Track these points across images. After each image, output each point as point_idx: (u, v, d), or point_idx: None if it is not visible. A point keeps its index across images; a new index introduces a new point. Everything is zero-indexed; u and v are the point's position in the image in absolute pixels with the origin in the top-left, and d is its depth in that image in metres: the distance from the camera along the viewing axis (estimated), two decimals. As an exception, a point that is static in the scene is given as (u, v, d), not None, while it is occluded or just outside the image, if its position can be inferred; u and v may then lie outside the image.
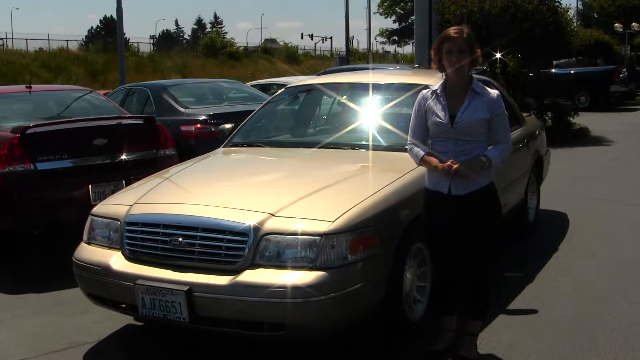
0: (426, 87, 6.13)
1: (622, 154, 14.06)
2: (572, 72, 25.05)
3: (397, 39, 78.23)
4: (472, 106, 4.32)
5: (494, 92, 4.42)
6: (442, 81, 4.49)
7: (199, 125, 9.82)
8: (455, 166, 4.22)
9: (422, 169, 4.68)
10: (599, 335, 4.84)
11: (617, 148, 14.99)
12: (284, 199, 4.53)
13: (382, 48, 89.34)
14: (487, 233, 4.43)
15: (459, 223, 4.36)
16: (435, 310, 4.78)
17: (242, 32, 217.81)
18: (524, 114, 8.22)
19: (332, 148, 5.80)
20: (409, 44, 75.85)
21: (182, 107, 10.42)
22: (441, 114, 4.35)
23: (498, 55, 15.48)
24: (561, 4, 16.89)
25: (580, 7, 47.03)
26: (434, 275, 4.83)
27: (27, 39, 49.93)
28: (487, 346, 4.69)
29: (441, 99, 4.40)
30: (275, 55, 62.65)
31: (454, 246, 4.44)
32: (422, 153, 4.45)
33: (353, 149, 5.76)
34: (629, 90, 27.30)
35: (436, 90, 4.45)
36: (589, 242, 7.20)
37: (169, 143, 8.01)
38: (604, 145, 15.49)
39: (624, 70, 26.64)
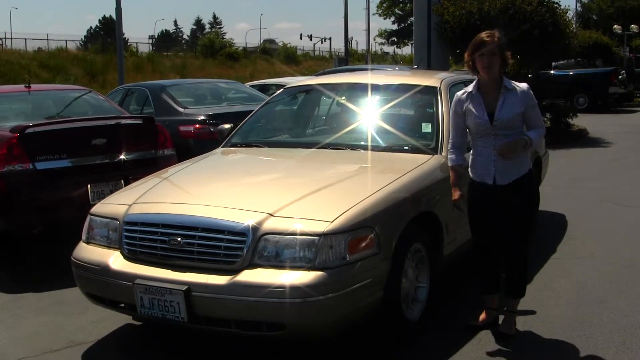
0: (427, 87, 6.23)
1: (621, 155, 14.07)
2: (571, 73, 25.10)
3: (396, 40, 78.17)
4: (507, 103, 4.67)
5: (523, 86, 4.77)
6: (474, 82, 4.84)
7: (197, 126, 9.81)
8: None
9: (420, 170, 5.10)
10: (597, 336, 4.85)
11: (616, 149, 15.00)
12: (282, 199, 4.54)
13: (381, 49, 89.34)
14: (527, 217, 4.86)
15: (503, 210, 4.73)
16: (479, 290, 5.15)
17: (241, 32, 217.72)
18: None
19: (331, 148, 5.81)
20: (408, 45, 75.81)
21: (181, 107, 10.42)
22: (480, 113, 4.71)
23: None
24: (560, 5, 16.89)
25: (579, 8, 47.00)
26: (477, 258, 5.13)
27: (25, 39, 49.91)
28: (485, 345, 4.71)
29: (477, 99, 4.74)
30: (274, 55, 62.64)
31: (497, 231, 4.82)
32: (451, 163, 4.90)
33: (352, 149, 5.77)
34: (628, 92, 27.31)
35: (471, 91, 4.79)
36: (588, 243, 7.20)
37: (168, 143, 8.02)
38: (603, 147, 15.51)
39: (623, 71, 26.66)
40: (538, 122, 4.79)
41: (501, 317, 5.04)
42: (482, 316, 5.05)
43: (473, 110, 4.74)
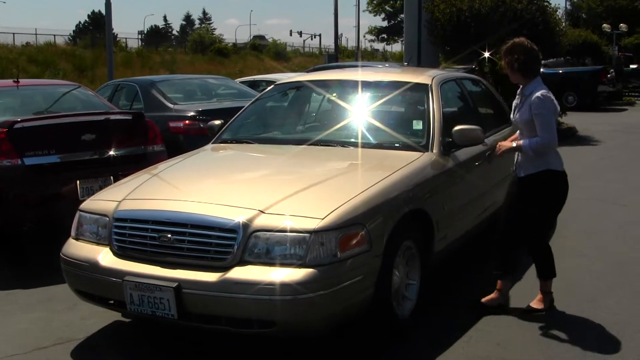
0: (416, 84, 6.23)
1: (610, 153, 14.12)
2: (560, 71, 25.12)
3: (386, 37, 78.23)
4: (523, 107, 5.14)
5: (536, 95, 5.05)
6: None
7: (187, 122, 9.79)
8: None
9: (411, 168, 5.16)
10: (587, 333, 4.87)
11: (605, 148, 15.05)
12: (273, 196, 4.52)
13: (371, 46, 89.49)
14: (541, 212, 5.21)
15: (519, 200, 5.30)
16: (497, 273, 5.44)
17: (231, 28, 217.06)
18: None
19: (321, 145, 5.79)
20: (397, 42, 75.93)
21: (171, 103, 10.38)
22: (512, 111, 5.35)
23: (486, 55, 15.51)
24: (550, 4, 16.98)
25: (568, 7, 47.15)
26: (499, 239, 5.46)
27: (14, 33, 49.57)
28: (476, 343, 4.71)
29: (517, 98, 5.28)
30: (263, 52, 62.53)
31: (517, 218, 5.26)
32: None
33: (343, 146, 5.75)
34: (617, 91, 27.41)
35: (518, 91, 5.29)
36: (577, 241, 7.22)
37: (158, 139, 7.97)
38: (592, 145, 15.55)
39: (612, 70, 26.75)
40: (539, 131, 5.02)
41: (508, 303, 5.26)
42: (491, 296, 5.38)
43: (513, 105, 5.36)
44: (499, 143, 5.34)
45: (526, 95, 5.12)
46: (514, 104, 5.34)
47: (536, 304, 5.32)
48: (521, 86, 5.23)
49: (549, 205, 5.26)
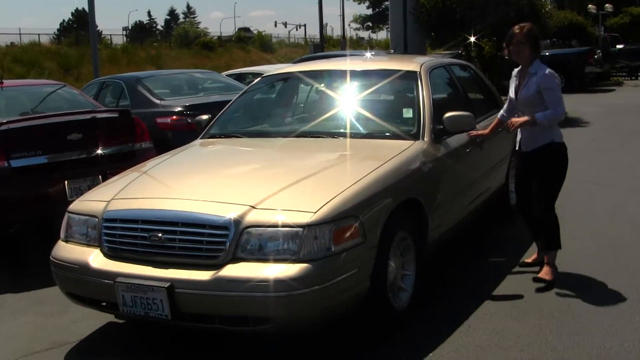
0: (405, 72, 6.18)
1: (599, 135, 14.10)
2: (547, 54, 25.01)
3: (371, 24, 78.06)
4: (529, 84, 5.49)
5: (543, 71, 5.45)
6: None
7: (174, 117, 9.70)
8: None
9: (403, 157, 5.09)
10: (584, 318, 4.83)
11: (594, 129, 15.03)
12: (264, 190, 4.46)
13: (356, 34, 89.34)
14: (549, 182, 5.59)
15: (528, 174, 5.68)
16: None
17: (216, 21, 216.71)
18: (503, 97, 8.19)
19: (311, 137, 5.73)
20: (383, 29, 75.76)
21: (157, 99, 10.28)
22: (512, 91, 5.73)
23: (472, 39, 15.47)
24: (535, -14, 16.92)
25: (553, -11, 47.13)
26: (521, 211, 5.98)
27: (-3, 34, 49.27)
28: (474, 333, 4.67)
29: (515, 79, 5.69)
30: (249, 44, 62.33)
31: (528, 192, 5.70)
32: (498, 116, 6.09)
33: (333, 137, 5.69)
34: (604, 72, 27.40)
35: (517, 72, 5.69)
36: (570, 224, 7.15)
37: (145, 136, 7.90)
38: (581, 127, 15.52)
39: (599, 51, 26.73)
40: (551, 104, 5.38)
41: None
42: (534, 256, 5.94)
43: (511, 87, 5.73)
44: (511, 120, 5.54)
45: (532, 73, 5.48)
46: (513, 84, 5.68)
47: (545, 274, 5.54)
48: (521, 67, 5.61)
49: (554, 175, 5.60)
